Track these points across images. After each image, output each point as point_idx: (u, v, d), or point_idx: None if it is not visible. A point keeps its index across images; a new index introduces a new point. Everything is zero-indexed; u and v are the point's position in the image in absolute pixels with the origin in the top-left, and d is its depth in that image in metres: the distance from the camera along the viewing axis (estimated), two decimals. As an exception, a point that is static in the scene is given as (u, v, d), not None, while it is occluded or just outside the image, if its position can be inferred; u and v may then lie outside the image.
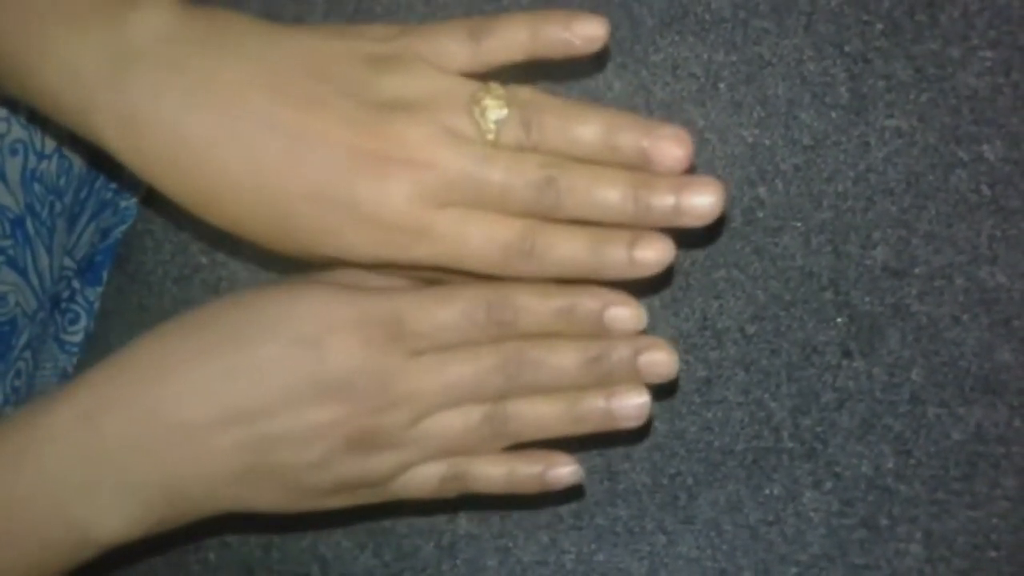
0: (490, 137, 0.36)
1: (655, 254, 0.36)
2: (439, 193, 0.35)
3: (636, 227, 0.36)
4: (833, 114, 0.45)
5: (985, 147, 0.44)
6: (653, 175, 0.36)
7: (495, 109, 0.36)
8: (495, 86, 0.36)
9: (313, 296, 0.37)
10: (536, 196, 0.36)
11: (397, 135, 0.35)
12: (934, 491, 0.45)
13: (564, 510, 0.47)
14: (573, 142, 0.36)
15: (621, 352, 0.38)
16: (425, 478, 0.39)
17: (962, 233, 0.44)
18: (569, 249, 0.36)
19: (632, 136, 0.36)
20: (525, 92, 0.36)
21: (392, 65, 0.36)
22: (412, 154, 0.35)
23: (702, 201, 0.36)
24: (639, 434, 0.45)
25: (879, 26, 0.44)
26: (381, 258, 0.36)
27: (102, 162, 0.46)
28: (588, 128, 0.36)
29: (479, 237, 0.36)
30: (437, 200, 0.35)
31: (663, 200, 0.36)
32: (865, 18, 0.45)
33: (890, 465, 0.45)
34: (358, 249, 0.36)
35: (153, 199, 0.49)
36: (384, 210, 0.35)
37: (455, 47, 0.36)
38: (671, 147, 0.36)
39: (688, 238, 0.37)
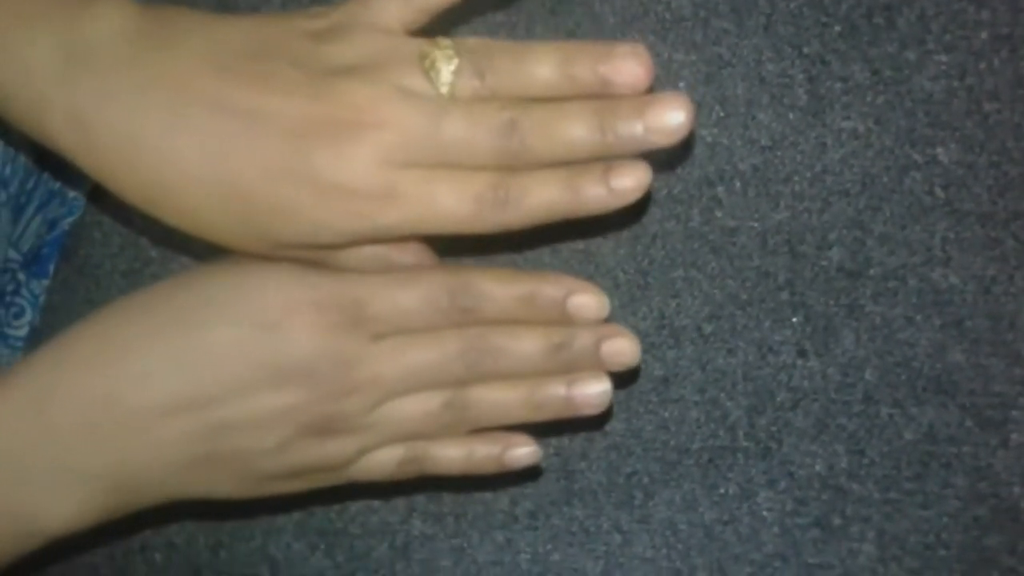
0: (444, 90, 0.35)
1: (632, 180, 0.35)
2: (399, 153, 0.34)
3: (607, 157, 0.35)
4: (791, 115, 0.45)
5: (939, 150, 0.45)
6: (616, 100, 0.35)
7: (446, 61, 0.35)
8: (442, 39, 0.35)
9: (269, 277, 0.36)
10: (500, 143, 0.34)
11: (347, 98, 0.34)
12: (887, 491, 0.46)
13: (520, 510, 0.47)
14: (530, 82, 0.35)
15: (583, 340, 0.37)
16: (383, 462, 0.38)
17: (916, 235, 0.45)
18: (544, 191, 0.35)
19: (588, 64, 0.34)
20: (473, 41, 0.35)
21: (335, 34, 0.35)
22: (365, 116, 0.34)
23: (670, 118, 0.34)
24: (598, 422, 0.45)
25: (837, 28, 0.45)
26: (349, 232, 0.35)
27: (48, 154, 0.45)
28: (543, 64, 0.35)
29: (448, 193, 0.35)
30: (398, 160, 0.34)
31: (630, 125, 0.34)
32: (824, 20, 0.45)
33: (843, 465, 0.46)
34: (324, 225, 0.35)
35: (100, 197, 0.48)
36: (344, 176, 0.34)
37: (389, 3, 0.35)
38: (630, 67, 0.34)
39: (658, 161, 0.36)
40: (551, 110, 0.35)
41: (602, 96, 0.35)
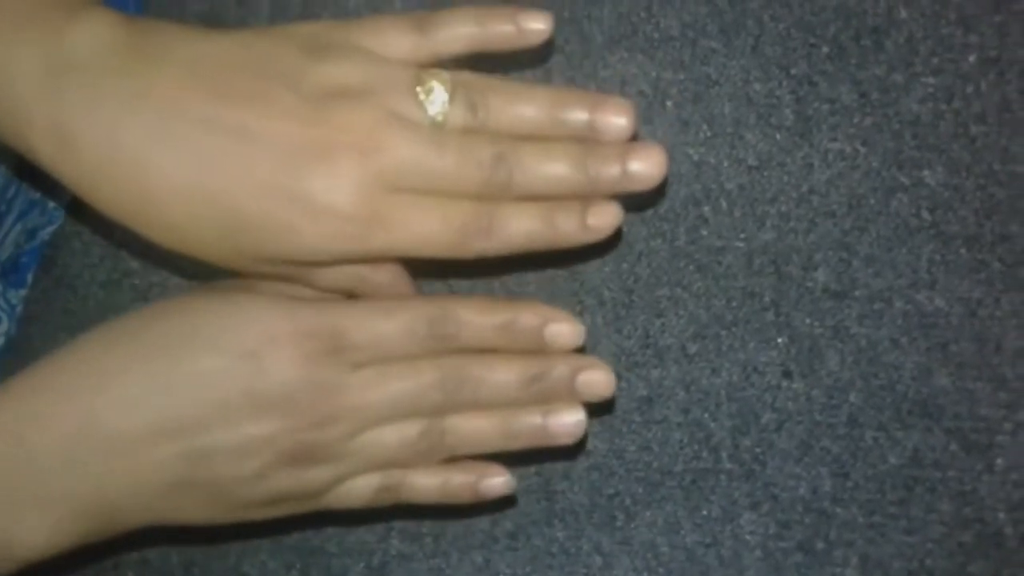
0: (439, 119, 0.36)
1: (605, 219, 0.37)
2: (391, 178, 0.35)
3: (585, 196, 0.37)
4: (778, 135, 0.45)
5: (926, 172, 0.45)
6: (599, 145, 0.37)
7: (441, 91, 0.36)
8: (438, 70, 0.36)
9: (251, 306, 0.36)
10: (488, 175, 0.36)
11: (343, 122, 0.34)
12: (871, 515, 0.45)
13: (499, 530, 0.47)
14: (520, 120, 0.37)
15: (560, 371, 0.38)
16: (359, 489, 0.38)
17: (902, 257, 0.45)
18: (524, 223, 0.37)
19: (578, 111, 0.37)
20: (468, 75, 0.37)
21: (330, 54, 0.35)
22: (360, 140, 0.34)
23: (647, 167, 0.37)
24: (576, 450, 0.45)
25: (825, 50, 0.45)
26: (336, 253, 0.35)
27: (29, 163, 0.45)
28: (534, 105, 0.37)
29: (435, 220, 0.36)
30: (390, 185, 0.35)
31: (610, 169, 0.37)
32: (812, 41, 0.45)
33: (827, 488, 0.45)
34: (312, 246, 0.35)
35: (80, 208, 0.48)
36: (337, 199, 0.34)
37: (398, 38, 0.36)
38: (615, 117, 0.37)
39: (634, 202, 0.39)
40: (538, 149, 0.36)
41: (586, 139, 0.37)
